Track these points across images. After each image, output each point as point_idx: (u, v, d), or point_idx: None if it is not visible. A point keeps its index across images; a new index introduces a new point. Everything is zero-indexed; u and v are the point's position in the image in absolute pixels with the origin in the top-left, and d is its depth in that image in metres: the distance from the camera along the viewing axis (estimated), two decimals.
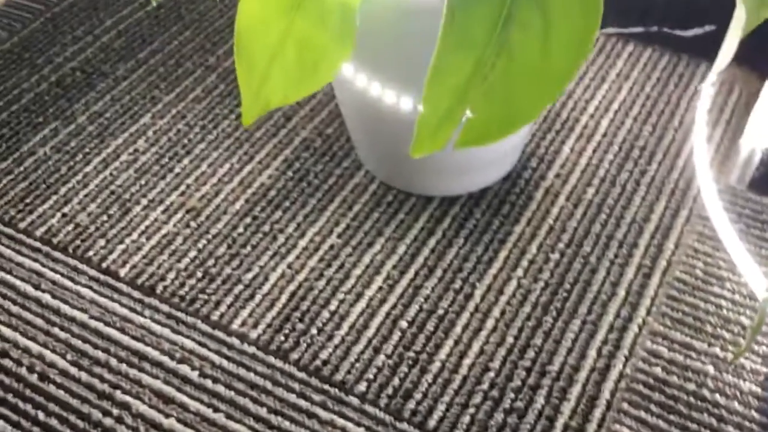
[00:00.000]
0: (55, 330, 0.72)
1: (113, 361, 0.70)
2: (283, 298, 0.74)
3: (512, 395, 0.67)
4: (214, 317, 0.73)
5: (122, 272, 0.77)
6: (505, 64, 0.44)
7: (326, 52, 0.59)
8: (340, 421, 0.66)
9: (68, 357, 0.70)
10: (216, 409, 0.67)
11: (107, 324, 0.73)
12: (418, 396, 0.67)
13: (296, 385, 0.68)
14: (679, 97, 0.93)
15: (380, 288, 0.75)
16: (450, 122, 0.45)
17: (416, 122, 0.45)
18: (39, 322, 0.73)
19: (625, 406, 0.66)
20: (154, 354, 0.70)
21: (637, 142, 0.88)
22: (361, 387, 0.68)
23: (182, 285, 0.76)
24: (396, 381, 0.68)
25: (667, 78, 0.95)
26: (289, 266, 0.77)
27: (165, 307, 0.74)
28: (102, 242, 0.80)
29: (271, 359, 0.70)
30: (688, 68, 0.96)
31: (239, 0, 0.58)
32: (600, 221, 0.80)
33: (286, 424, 0.66)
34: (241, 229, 0.81)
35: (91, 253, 0.79)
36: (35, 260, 0.78)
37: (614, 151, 0.87)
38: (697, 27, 0.50)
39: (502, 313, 0.73)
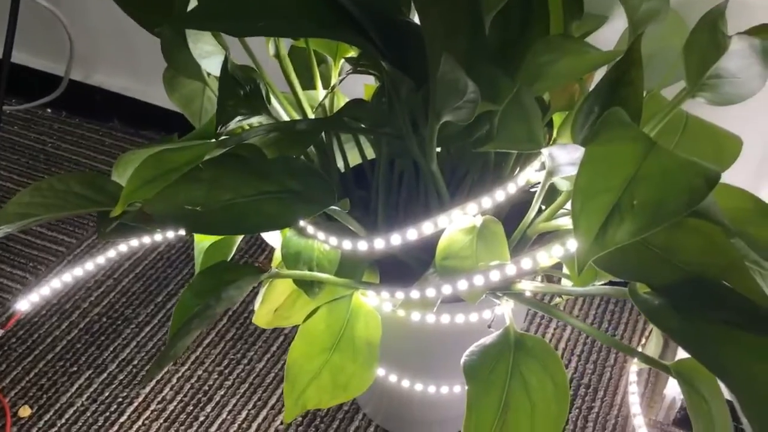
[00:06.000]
0: None
1: None
2: None
3: None
4: None
5: None
6: None
7: (354, 377, 0.77)
8: None
9: None
10: None
11: None
12: None
13: None
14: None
15: None
16: None
17: None
18: None
19: None
20: None
21: (582, 380, 1.08)
22: None
23: None
24: None
25: (601, 316, 1.17)
26: None
27: None
28: None
29: None
30: (618, 305, 1.18)
31: (293, 341, 0.75)
32: None
33: None
34: None
35: None
36: None
37: None
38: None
39: None
